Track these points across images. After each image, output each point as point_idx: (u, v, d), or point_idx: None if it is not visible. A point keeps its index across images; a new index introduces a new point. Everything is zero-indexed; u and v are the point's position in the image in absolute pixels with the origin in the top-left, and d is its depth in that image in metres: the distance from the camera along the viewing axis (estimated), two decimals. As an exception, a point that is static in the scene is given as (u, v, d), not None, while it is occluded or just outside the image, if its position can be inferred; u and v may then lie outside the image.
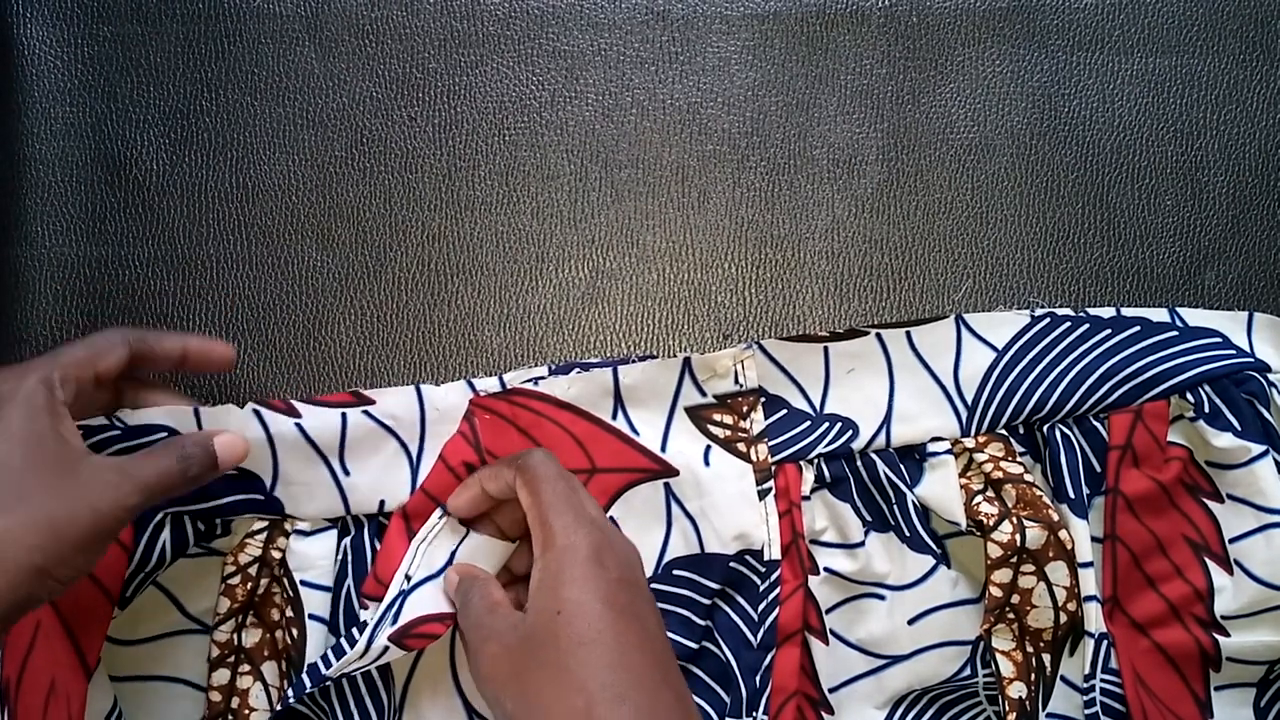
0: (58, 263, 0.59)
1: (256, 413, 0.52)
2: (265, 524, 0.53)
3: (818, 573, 0.55)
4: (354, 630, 0.51)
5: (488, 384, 0.54)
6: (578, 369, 0.55)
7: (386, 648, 0.49)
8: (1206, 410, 0.56)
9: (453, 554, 0.52)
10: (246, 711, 0.53)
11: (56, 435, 0.46)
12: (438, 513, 0.53)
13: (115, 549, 0.51)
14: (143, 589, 0.52)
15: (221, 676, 0.53)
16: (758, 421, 0.55)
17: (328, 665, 0.50)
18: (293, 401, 0.53)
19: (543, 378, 0.55)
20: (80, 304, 0.59)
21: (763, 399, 0.55)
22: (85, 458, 0.47)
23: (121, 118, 0.61)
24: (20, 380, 0.47)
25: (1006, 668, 0.55)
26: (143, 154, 0.60)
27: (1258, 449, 0.55)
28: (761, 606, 0.53)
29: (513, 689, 0.45)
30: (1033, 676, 0.55)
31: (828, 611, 0.55)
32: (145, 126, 0.61)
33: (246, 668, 0.53)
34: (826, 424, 0.55)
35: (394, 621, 0.49)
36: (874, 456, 0.55)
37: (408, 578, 0.51)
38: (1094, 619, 0.54)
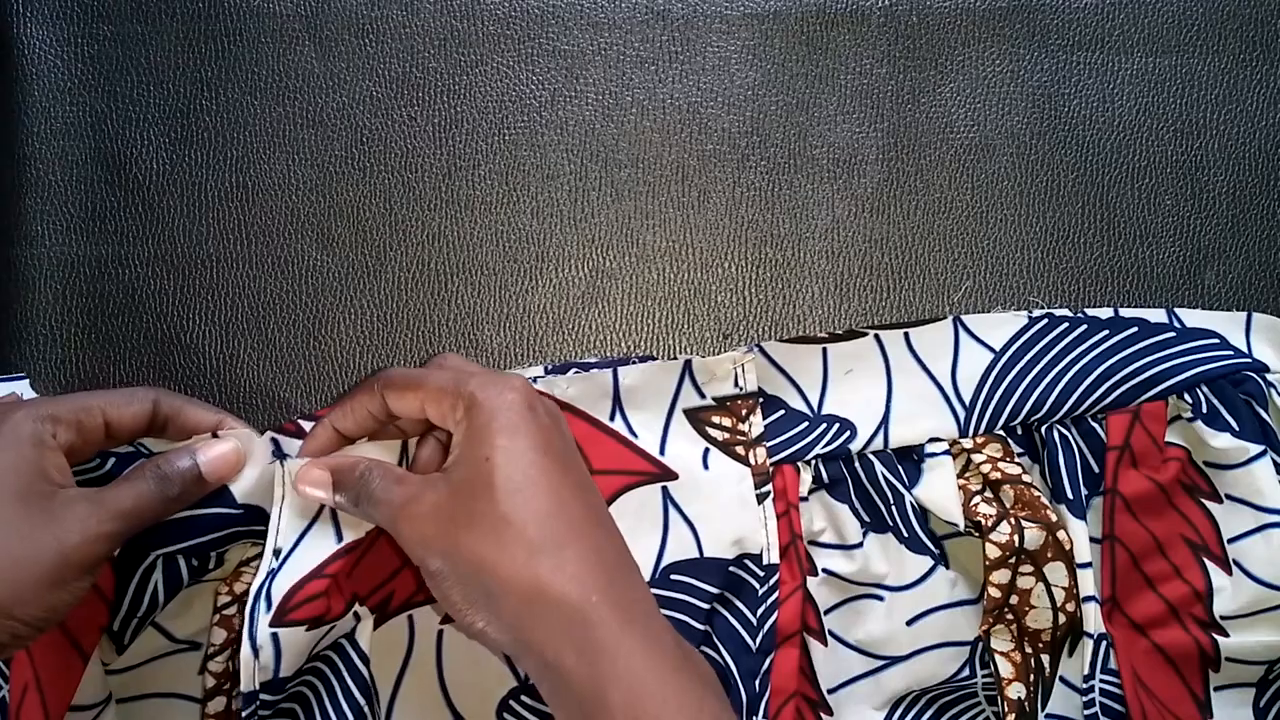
0: (58, 262, 0.59)
1: (275, 441, 0.51)
2: (260, 550, 0.52)
3: (816, 574, 0.55)
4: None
5: None
6: (575, 369, 0.55)
7: (274, 635, 0.47)
8: (1204, 411, 0.56)
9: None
10: None
11: (35, 469, 0.44)
12: (291, 463, 0.49)
13: (94, 601, 0.49)
14: (140, 632, 0.51)
15: (219, 704, 0.52)
16: (756, 424, 0.55)
17: (251, 686, 0.47)
18: (299, 422, 0.53)
19: (540, 377, 0.55)
20: (80, 304, 0.59)
21: (761, 400, 0.55)
22: (60, 491, 0.44)
23: (121, 117, 0.61)
24: (9, 413, 0.45)
25: (1005, 668, 0.55)
26: (143, 154, 0.60)
27: (1255, 449, 0.55)
28: (760, 611, 0.53)
29: (441, 545, 0.43)
30: (1031, 677, 0.55)
31: (826, 612, 0.55)
32: (145, 126, 0.61)
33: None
34: (824, 425, 0.55)
35: (269, 607, 0.47)
36: (872, 458, 0.55)
37: (276, 553, 0.48)
38: (1093, 619, 0.54)
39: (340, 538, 0.49)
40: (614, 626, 0.41)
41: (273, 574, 0.48)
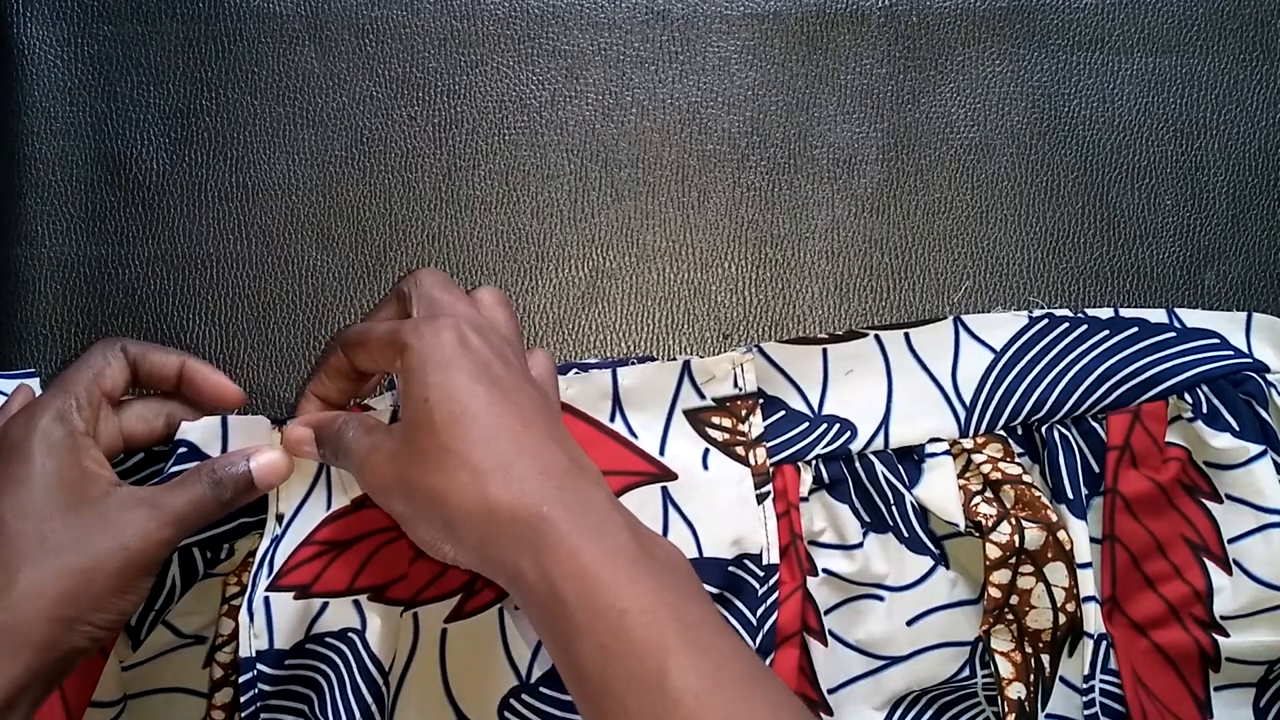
0: (58, 262, 0.59)
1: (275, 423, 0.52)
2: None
3: (816, 574, 0.55)
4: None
5: None
6: (575, 369, 0.55)
7: (266, 600, 0.49)
8: (1204, 411, 0.56)
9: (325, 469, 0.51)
10: None
11: (80, 471, 0.45)
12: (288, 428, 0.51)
13: None
14: (155, 626, 0.52)
15: (225, 695, 0.53)
16: (756, 425, 0.55)
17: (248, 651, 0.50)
18: None
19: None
20: (80, 304, 0.59)
21: (760, 400, 0.55)
22: (112, 493, 0.45)
23: (121, 117, 0.61)
24: (32, 420, 0.46)
25: (1005, 668, 0.55)
26: (143, 154, 0.60)
27: (1256, 449, 0.55)
28: (760, 610, 0.53)
29: (400, 488, 0.45)
30: (1032, 677, 0.55)
31: (826, 613, 0.55)
32: (145, 126, 0.61)
33: None
34: (825, 425, 0.55)
35: (270, 573, 0.49)
36: (872, 458, 0.55)
37: (279, 518, 0.51)
38: (1093, 620, 0.54)
39: (329, 505, 0.51)
40: (564, 529, 0.42)
41: (276, 540, 0.50)
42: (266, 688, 0.50)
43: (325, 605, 0.50)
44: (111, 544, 0.44)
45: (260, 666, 0.50)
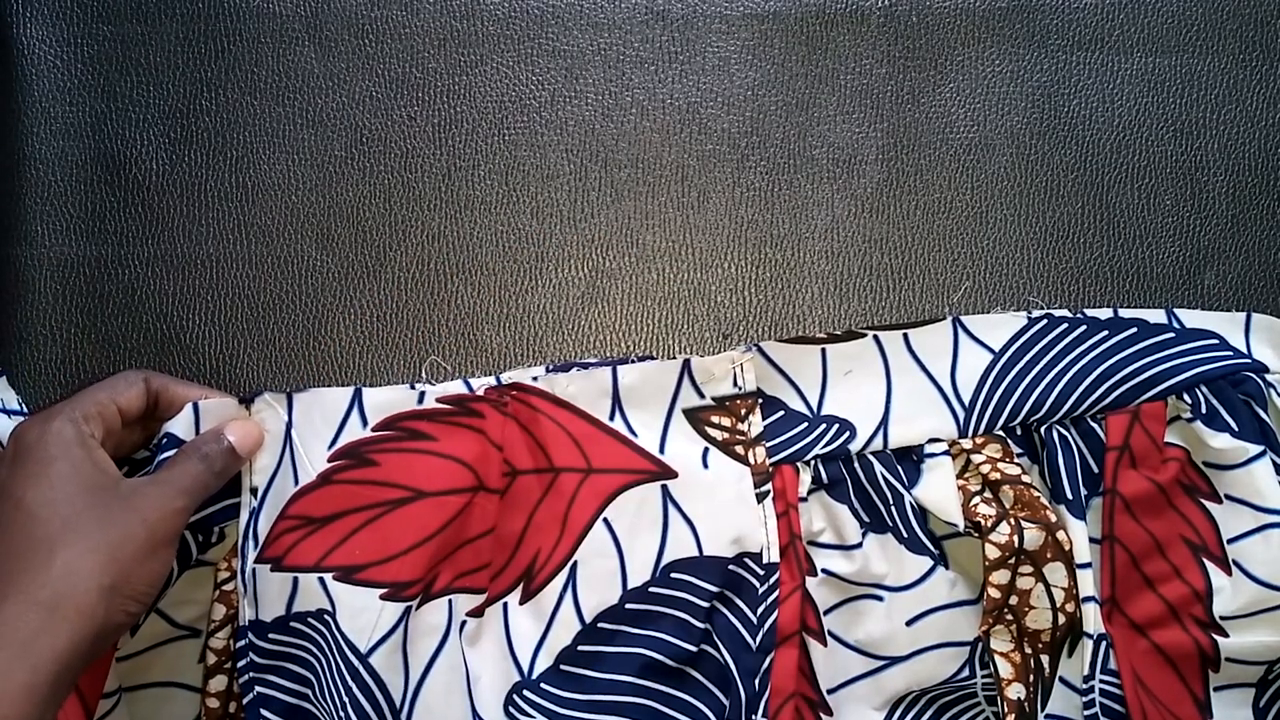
0: (58, 263, 0.59)
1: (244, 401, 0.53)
2: None
3: (815, 574, 0.55)
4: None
5: (484, 383, 0.55)
6: (576, 368, 0.55)
7: (255, 571, 0.51)
8: (1203, 411, 0.56)
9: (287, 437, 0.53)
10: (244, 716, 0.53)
11: (91, 465, 0.48)
12: (259, 403, 0.54)
13: None
14: (149, 613, 0.53)
15: (219, 683, 0.53)
16: (755, 424, 0.55)
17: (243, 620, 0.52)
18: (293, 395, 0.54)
19: (540, 376, 0.55)
20: (80, 304, 0.59)
21: (760, 400, 0.55)
22: (121, 481, 0.49)
23: (121, 117, 0.61)
24: (45, 423, 0.49)
25: (1005, 669, 0.55)
26: (143, 154, 0.60)
27: (1255, 449, 0.55)
28: (761, 609, 0.53)
29: None
30: (1031, 677, 0.55)
31: (826, 613, 0.55)
32: (145, 126, 0.61)
33: None
34: (824, 425, 0.55)
35: (256, 545, 0.52)
36: (871, 458, 0.55)
37: (254, 491, 0.53)
38: (1092, 620, 0.54)
39: (296, 479, 0.52)
40: None
41: (254, 513, 0.52)
42: (259, 659, 0.52)
43: (296, 581, 0.51)
44: (132, 520, 0.47)
45: (251, 636, 0.51)
